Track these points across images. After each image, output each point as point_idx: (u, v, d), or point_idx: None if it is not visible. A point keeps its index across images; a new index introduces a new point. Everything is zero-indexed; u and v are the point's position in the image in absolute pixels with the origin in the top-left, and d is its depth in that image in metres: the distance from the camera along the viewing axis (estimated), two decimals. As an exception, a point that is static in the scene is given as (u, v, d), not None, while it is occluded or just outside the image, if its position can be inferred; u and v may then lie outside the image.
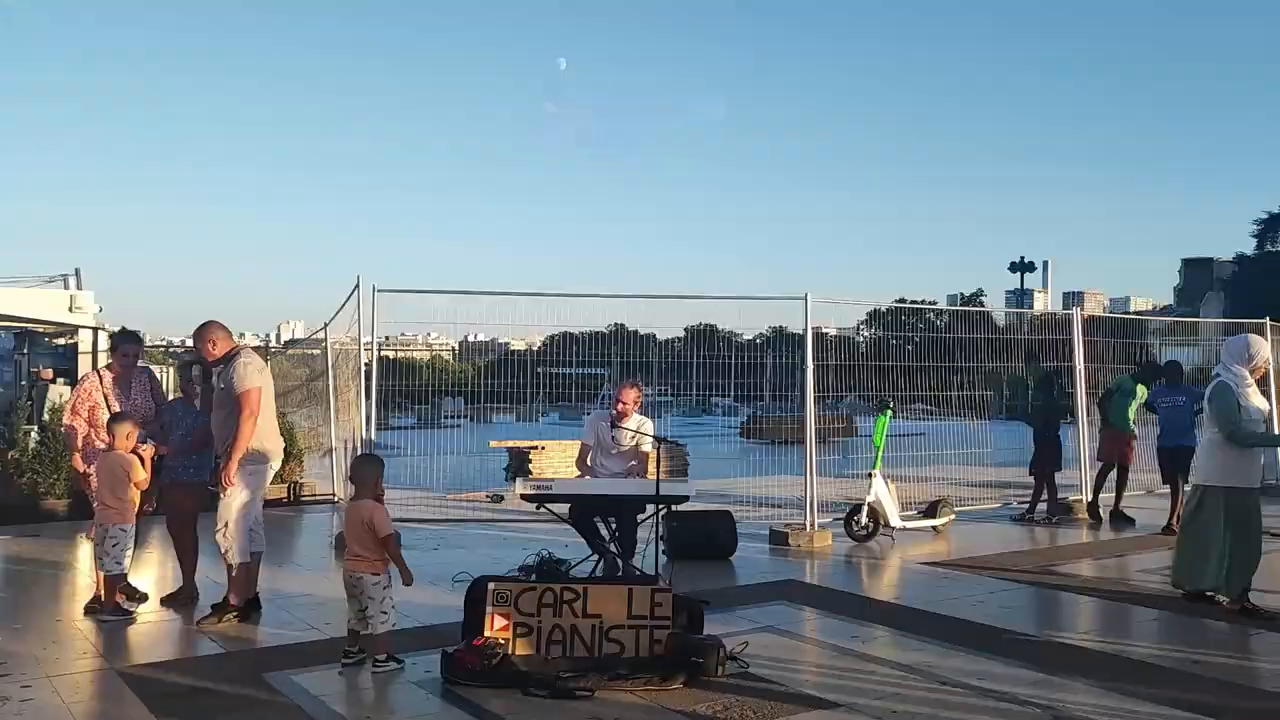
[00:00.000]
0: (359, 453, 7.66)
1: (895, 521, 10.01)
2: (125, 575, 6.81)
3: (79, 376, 13.48)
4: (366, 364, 10.74)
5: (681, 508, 7.17)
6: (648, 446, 7.61)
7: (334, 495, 13.06)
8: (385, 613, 5.46)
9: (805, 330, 10.35)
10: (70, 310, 14.46)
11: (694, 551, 8.51)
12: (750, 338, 14.72)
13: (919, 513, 10.58)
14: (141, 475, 6.72)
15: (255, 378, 6.46)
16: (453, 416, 15.48)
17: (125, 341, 7.57)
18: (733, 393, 14.29)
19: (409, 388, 13.11)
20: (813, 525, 9.98)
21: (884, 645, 6.26)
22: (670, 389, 14.35)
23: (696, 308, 13.47)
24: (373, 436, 10.37)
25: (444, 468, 13.05)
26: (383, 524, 5.46)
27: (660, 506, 6.43)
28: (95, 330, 14.58)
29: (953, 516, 10.66)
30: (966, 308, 15.89)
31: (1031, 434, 11.63)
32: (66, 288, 15.10)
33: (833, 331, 12.49)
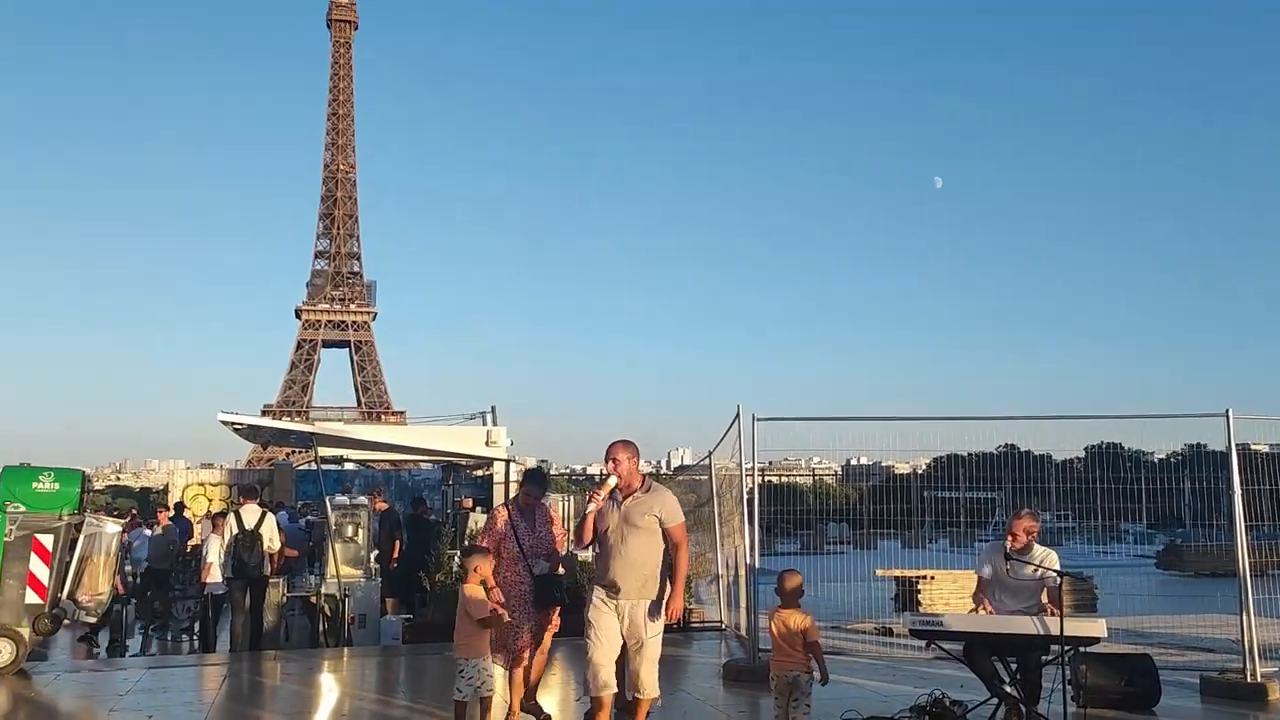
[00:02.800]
0: (787, 569, 7.60)
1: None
2: (467, 703, 6.64)
3: (492, 506, 14.78)
4: (749, 490, 10.90)
5: (1092, 649, 6.52)
6: (1051, 581, 7.03)
7: (721, 622, 13.18)
8: (809, 705, 6.21)
9: (1229, 450, 9.24)
10: (486, 444, 15.97)
11: (1108, 699, 7.67)
12: (1162, 457, 13.36)
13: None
14: (481, 614, 6.58)
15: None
16: (836, 542, 15.26)
17: (530, 482, 7.64)
18: (1144, 519, 12.98)
19: (792, 513, 13.11)
20: (1254, 674, 8.69)
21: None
22: (1071, 515, 13.30)
23: (1098, 425, 12.46)
24: (757, 562, 10.44)
25: (829, 595, 12.83)
26: (814, 629, 6.42)
27: (1067, 647, 5.89)
28: (507, 462, 15.97)
29: None
30: None
31: None
32: (484, 424, 16.71)
33: (1265, 449, 11.06)
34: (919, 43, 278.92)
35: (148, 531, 17.08)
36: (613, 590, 6.17)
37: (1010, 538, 7.19)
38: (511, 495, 9.29)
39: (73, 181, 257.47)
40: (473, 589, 6.66)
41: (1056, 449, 12.75)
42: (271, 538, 12.29)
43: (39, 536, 10.16)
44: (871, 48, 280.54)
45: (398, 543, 15.25)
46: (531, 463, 17.76)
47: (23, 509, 10.29)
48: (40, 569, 10.17)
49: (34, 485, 10.35)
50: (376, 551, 14.51)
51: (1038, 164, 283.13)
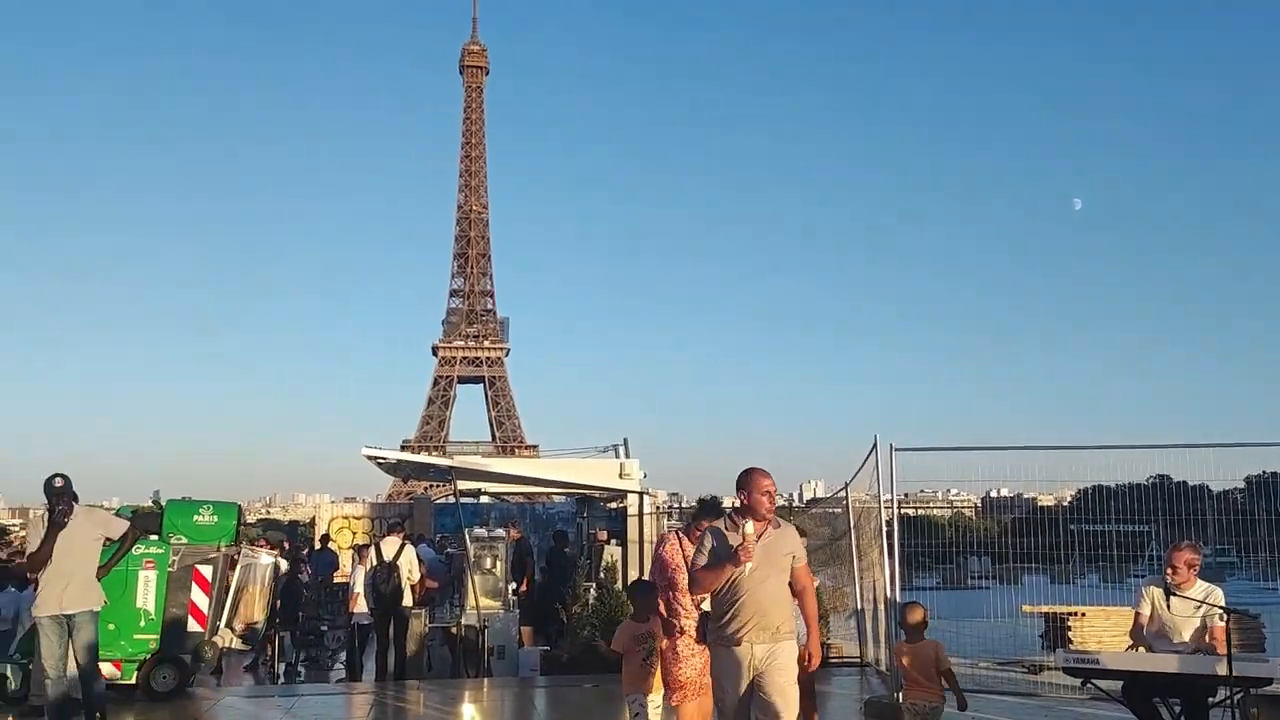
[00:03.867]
0: (910, 601, 7.44)
1: None
2: None
3: (657, 539, 14.78)
4: (888, 522, 10.69)
5: (1263, 691, 6.15)
6: (1217, 619, 6.66)
7: (860, 657, 12.91)
8: None
9: None
10: (620, 477, 16.05)
11: (1283, 745, 7.20)
12: (1334, 486, 12.55)
13: None
14: (616, 646, 6.54)
15: None
16: (978, 577, 14.80)
17: (707, 514, 6.89)
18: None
19: (931, 546, 12.79)
20: None
21: None
22: (1233, 549, 12.60)
23: (1260, 452, 11.77)
24: (897, 596, 10.21)
25: (972, 632, 12.42)
26: (945, 657, 6.70)
27: (1235, 689, 5.57)
28: (641, 495, 16.03)
29: None
30: None
31: None
32: (617, 456, 16.82)
33: None
34: (1055, 54, 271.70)
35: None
36: (747, 636, 5.45)
37: (1170, 570, 6.84)
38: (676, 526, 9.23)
39: (223, 232, 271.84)
40: (630, 623, 6.58)
41: (1214, 479, 12.11)
42: (410, 569, 12.60)
43: (199, 567, 10.66)
44: (1000, 65, 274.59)
45: (529, 570, 15.49)
46: (663, 496, 17.81)
47: (184, 541, 10.82)
48: (201, 598, 10.66)
49: (195, 518, 10.87)
50: (514, 584, 14.76)
51: (1186, 178, 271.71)
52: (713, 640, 5.65)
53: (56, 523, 7.67)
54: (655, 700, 6.48)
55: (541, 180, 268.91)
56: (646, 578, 7.33)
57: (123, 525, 8.29)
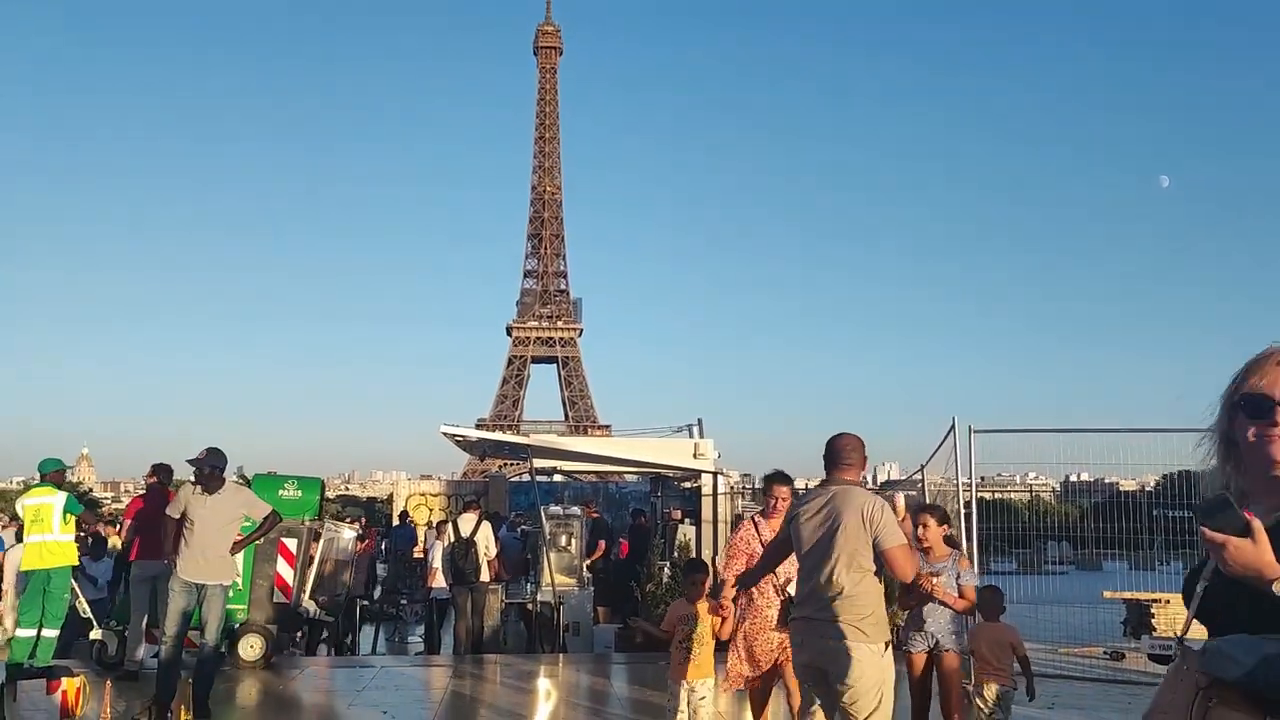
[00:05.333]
0: (986, 584, 7.35)
1: None
2: None
3: (733, 521, 14.81)
4: (965, 504, 10.57)
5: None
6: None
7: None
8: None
9: None
10: (694, 457, 16.09)
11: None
12: None
13: None
14: (666, 628, 6.29)
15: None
16: (1057, 562, 14.56)
17: (775, 482, 6.92)
18: None
19: (1009, 530, 12.61)
20: None
21: None
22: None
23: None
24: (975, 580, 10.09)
25: (1051, 618, 12.24)
26: (1020, 643, 6.75)
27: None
28: (715, 474, 16.05)
29: None
30: None
31: None
32: (691, 436, 16.87)
33: None
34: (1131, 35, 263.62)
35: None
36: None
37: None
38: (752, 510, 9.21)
39: (308, 210, 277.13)
40: (679, 602, 6.39)
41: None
42: (487, 545, 12.81)
43: (284, 540, 10.94)
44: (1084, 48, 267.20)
45: (601, 546, 15.63)
46: (736, 476, 17.83)
47: (270, 514, 11.11)
48: (286, 570, 10.97)
49: (280, 492, 11.17)
50: (589, 560, 14.93)
51: (1268, 156, 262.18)
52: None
53: (206, 488, 8.08)
54: (704, 686, 6.08)
55: (615, 161, 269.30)
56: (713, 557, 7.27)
57: (266, 508, 8.61)
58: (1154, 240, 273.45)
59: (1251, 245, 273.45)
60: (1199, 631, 2.21)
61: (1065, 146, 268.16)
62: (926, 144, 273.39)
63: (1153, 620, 12.18)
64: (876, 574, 4.82)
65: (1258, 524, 2.04)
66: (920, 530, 6.60)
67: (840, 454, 5.05)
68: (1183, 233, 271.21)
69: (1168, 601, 12.41)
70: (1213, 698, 2.04)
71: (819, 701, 5.17)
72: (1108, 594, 13.36)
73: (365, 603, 14.92)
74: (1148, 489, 16.23)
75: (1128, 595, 13.16)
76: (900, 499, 5.58)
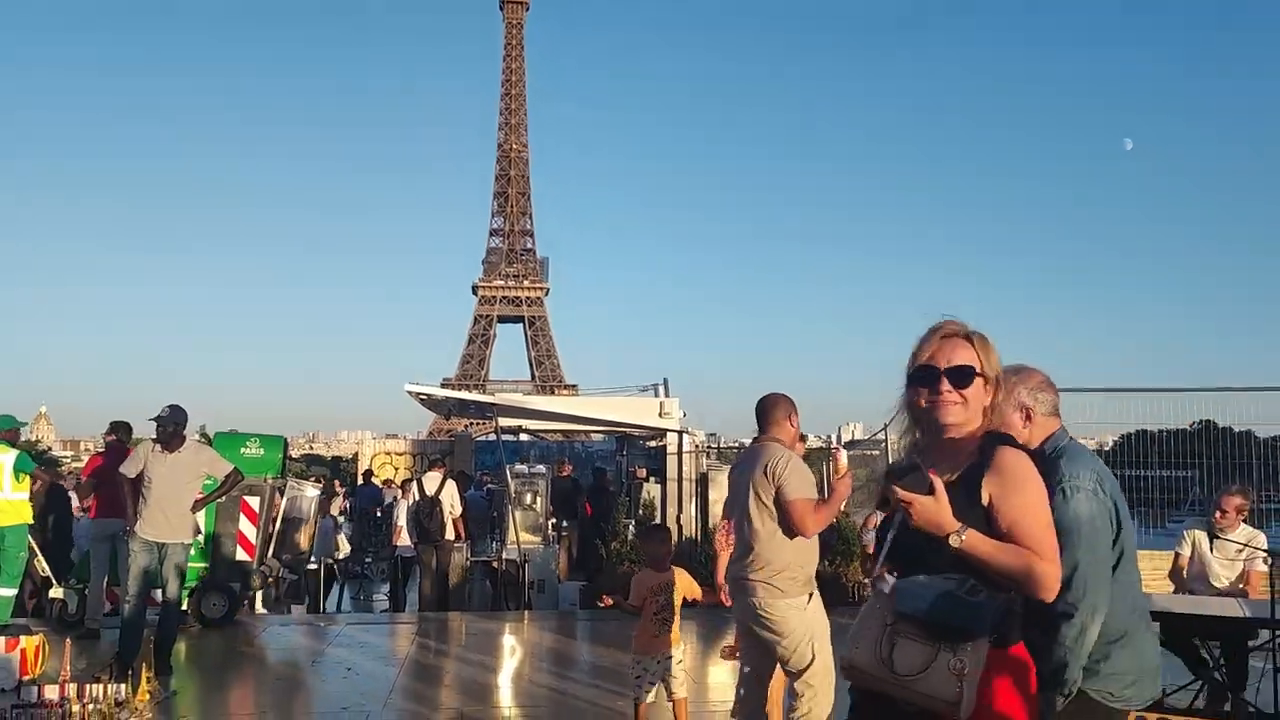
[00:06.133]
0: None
1: None
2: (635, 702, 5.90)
3: (698, 479, 14.89)
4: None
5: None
6: (1259, 564, 6.62)
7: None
8: None
9: None
10: (660, 416, 16.10)
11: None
12: (1386, 433, 12.37)
13: None
14: (660, 599, 5.85)
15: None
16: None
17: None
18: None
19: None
20: None
21: None
22: (1278, 495, 12.47)
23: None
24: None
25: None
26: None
27: (1278, 633, 5.54)
28: (680, 433, 16.09)
29: None
30: None
31: None
32: (656, 396, 16.87)
33: None
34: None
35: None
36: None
37: (1218, 513, 6.80)
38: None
39: (264, 165, 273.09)
40: (646, 573, 6.01)
41: (1260, 424, 11.98)
42: (452, 504, 12.78)
43: (247, 499, 10.86)
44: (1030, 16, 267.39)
45: (589, 508, 15.70)
46: (702, 436, 17.86)
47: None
48: (249, 528, 10.90)
49: (242, 450, 11.06)
50: (564, 520, 15.00)
51: (1226, 118, 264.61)
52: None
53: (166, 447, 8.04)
54: (678, 651, 5.81)
55: (581, 119, 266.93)
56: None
57: (228, 466, 8.56)
58: (1112, 197, 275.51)
59: (1207, 204, 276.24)
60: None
61: (1042, 97, 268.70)
62: (896, 108, 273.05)
63: (1109, 576, 12.40)
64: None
65: (939, 485, 2.42)
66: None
67: (762, 413, 5.05)
68: (1141, 193, 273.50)
69: (1123, 558, 12.65)
70: (899, 631, 2.34)
71: (752, 665, 5.06)
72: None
73: (330, 560, 14.87)
74: (1105, 449, 16.49)
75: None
76: (843, 455, 5.53)
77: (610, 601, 5.97)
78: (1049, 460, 2.93)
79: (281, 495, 11.49)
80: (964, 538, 2.38)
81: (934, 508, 2.41)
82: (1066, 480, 2.91)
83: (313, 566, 14.12)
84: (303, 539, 12.15)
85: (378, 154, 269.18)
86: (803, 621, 4.72)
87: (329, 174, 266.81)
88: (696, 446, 16.91)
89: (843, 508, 6.03)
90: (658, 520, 14.37)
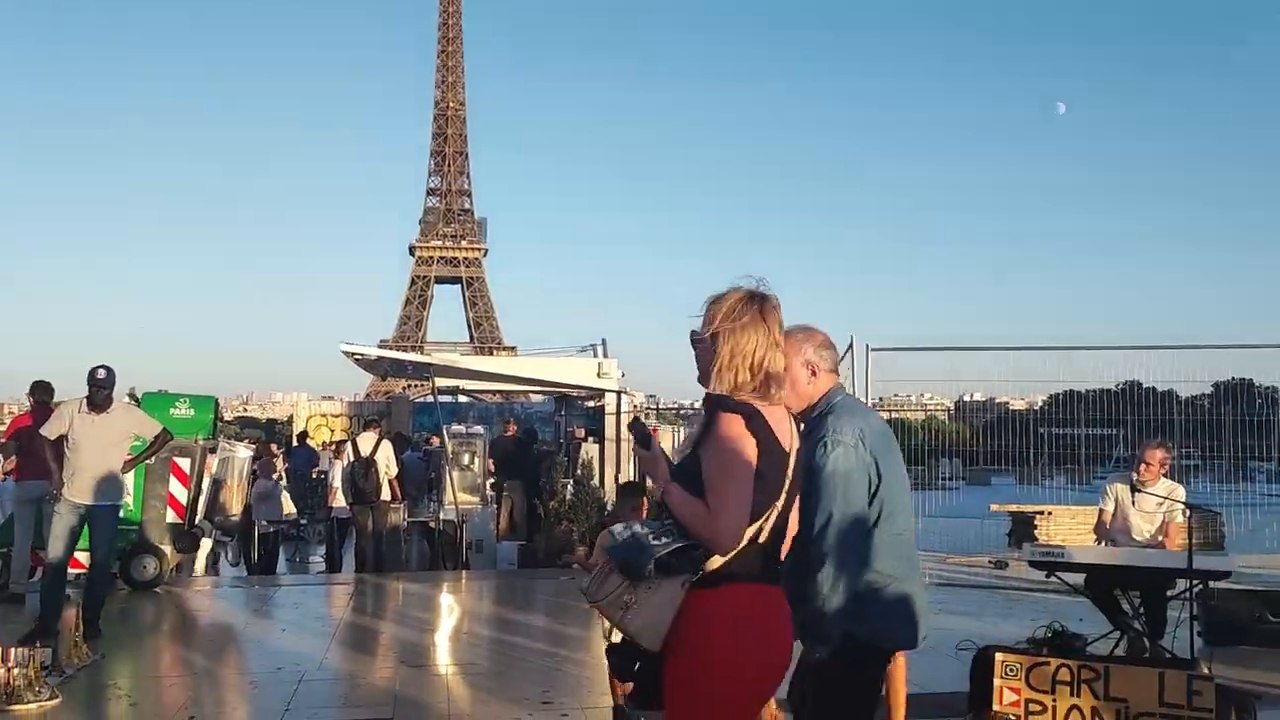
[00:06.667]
0: None
1: None
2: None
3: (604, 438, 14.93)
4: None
5: (1222, 585, 6.33)
6: (1178, 515, 6.83)
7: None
8: None
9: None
10: (598, 376, 16.10)
11: (1238, 636, 7.44)
12: (1299, 392, 12.78)
13: None
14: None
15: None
16: (949, 478, 15.05)
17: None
18: (1278, 456, 12.47)
19: (905, 448, 12.95)
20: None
21: None
22: (1198, 452, 12.85)
23: (1228, 359, 11.92)
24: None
25: (941, 530, 12.69)
26: None
27: (1194, 582, 5.73)
28: (619, 393, 16.10)
29: None
30: None
31: None
32: (595, 356, 16.84)
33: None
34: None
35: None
36: None
37: (1142, 466, 6.98)
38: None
39: (193, 120, 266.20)
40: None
41: (1182, 383, 12.30)
42: (388, 464, 12.66)
43: (177, 460, 10.66)
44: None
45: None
46: (641, 398, 17.92)
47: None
48: (179, 490, 10.70)
49: (171, 411, 10.83)
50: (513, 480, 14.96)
51: (1160, 80, 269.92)
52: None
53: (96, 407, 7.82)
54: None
55: (519, 79, 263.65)
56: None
57: (156, 427, 8.38)
58: (1049, 158, 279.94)
59: (1144, 165, 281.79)
60: None
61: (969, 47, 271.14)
62: (834, 62, 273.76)
63: (1035, 531, 12.71)
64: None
65: (656, 439, 2.74)
66: None
67: None
68: (1080, 152, 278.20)
69: (1050, 513, 12.95)
70: (610, 570, 2.62)
71: None
72: (994, 507, 13.88)
73: (265, 523, 14.69)
74: (1035, 408, 16.85)
75: (1013, 508, 13.69)
76: None
77: (573, 560, 5.85)
78: (818, 416, 3.17)
79: (213, 457, 11.31)
80: (665, 489, 2.65)
81: (650, 460, 2.69)
82: (829, 435, 3.07)
83: (269, 531, 13.99)
84: (235, 501, 11.97)
85: (313, 113, 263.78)
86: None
87: (260, 130, 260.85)
88: (635, 407, 16.96)
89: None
90: (599, 478, 14.42)
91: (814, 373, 3.25)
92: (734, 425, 2.62)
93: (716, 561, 2.59)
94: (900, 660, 4.61)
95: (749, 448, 2.61)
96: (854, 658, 3.09)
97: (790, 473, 2.73)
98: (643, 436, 2.74)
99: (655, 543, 2.57)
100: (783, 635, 2.71)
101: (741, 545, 2.60)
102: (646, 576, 2.55)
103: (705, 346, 2.76)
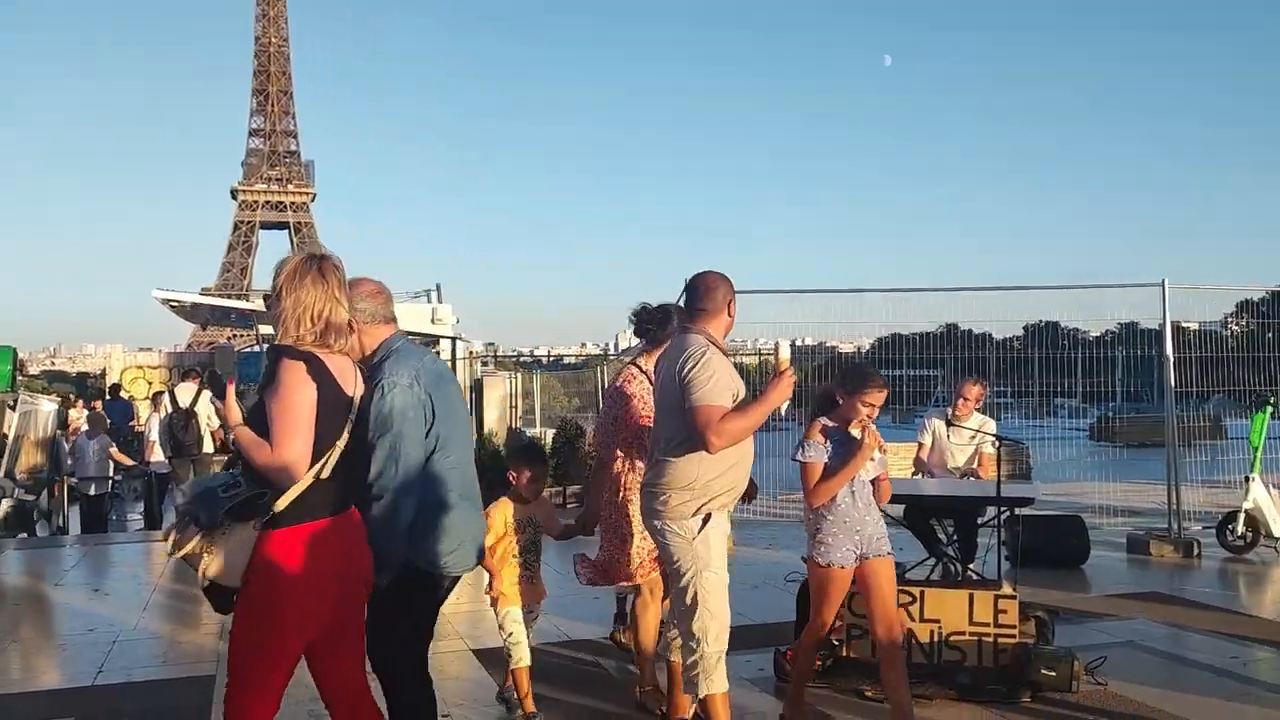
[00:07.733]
0: None
1: (1279, 531, 8.92)
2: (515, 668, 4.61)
3: (473, 386, 14.68)
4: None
5: (1026, 511, 6.72)
6: (988, 447, 7.20)
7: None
8: None
9: (1164, 320, 9.46)
10: (432, 322, 15.82)
11: (1040, 558, 7.96)
12: (1097, 335, 13.66)
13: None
14: (525, 537, 4.67)
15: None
16: (781, 419, 15.45)
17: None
18: (1079, 393, 13.32)
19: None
20: (1178, 533, 9.07)
21: (1269, 668, 5.54)
22: (1010, 390, 13.60)
23: (1037, 302, 12.62)
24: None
25: (773, 470, 13.05)
26: None
27: (1002, 510, 6.07)
28: (454, 340, 15.87)
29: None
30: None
31: None
32: (429, 302, 16.54)
33: (1194, 326, 11.35)
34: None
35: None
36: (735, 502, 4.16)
37: (960, 400, 7.33)
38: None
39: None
40: (503, 505, 4.64)
41: (997, 326, 12.96)
42: (209, 415, 12.13)
43: (-28, 414, 9.95)
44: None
45: None
46: (479, 345, 17.68)
47: (-47, 387, 10.05)
48: (-25, 446, 10.01)
49: (-36, 363, 10.09)
50: None
51: (986, 34, 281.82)
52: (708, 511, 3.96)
53: None
54: (539, 606, 4.79)
55: (348, 18, 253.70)
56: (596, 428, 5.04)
57: None
58: (879, 103, 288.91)
59: (972, 110, 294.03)
60: None
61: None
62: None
63: (862, 467, 13.20)
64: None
65: (230, 388, 3.10)
66: None
67: (690, 297, 4.22)
68: (909, 95, 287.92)
69: (873, 451, 13.48)
70: (186, 523, 2.84)
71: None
72: (822, 445, 14.35)
73: (73, 478, 13.88)
74: (863, 351, 17.48)
75: (841, 446, 14.20)
76: (785, 345, 5.01)
77: None
78: (377, 362, 3.38)
79: (13, 411, 10.59)
80: (236, 432, 2.91)
81: (229, 406, 2.94)
82: (386, 378, 3.29)
83: (93, 492, 13.19)
84: (38, 457, 11.26)
85: (124, 42, 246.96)
86: (687, 552, 3.90)
87: (74, 59, 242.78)
88: (471, 354, 16.75)
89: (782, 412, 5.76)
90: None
91: (362, 323, 3.40)
92: (294, 371, 2.88)
93: (284, 502, 2.83)
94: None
95: (309, 391, 2.87)
96: (411, 583, 3.33)
97: (353, 415, 3.02)
98: (218, 387, 2.92)
99: (225, 495, 2.79)
100: (352, 557, 3.00)
101: (309, 483, 2.86)
102: (220, 525, 2.78)
103: (273, 304, 3.03)
